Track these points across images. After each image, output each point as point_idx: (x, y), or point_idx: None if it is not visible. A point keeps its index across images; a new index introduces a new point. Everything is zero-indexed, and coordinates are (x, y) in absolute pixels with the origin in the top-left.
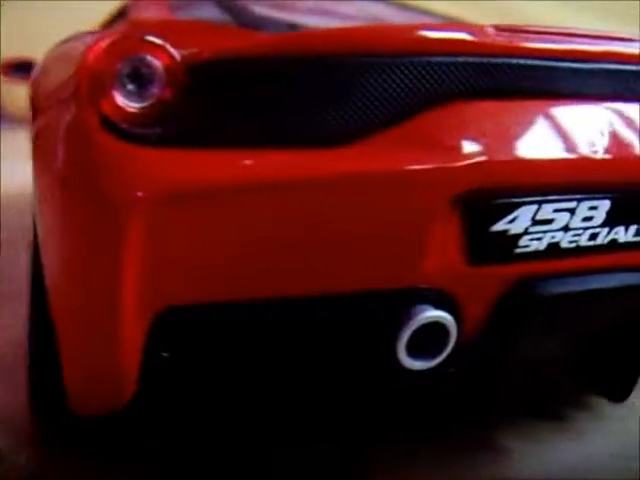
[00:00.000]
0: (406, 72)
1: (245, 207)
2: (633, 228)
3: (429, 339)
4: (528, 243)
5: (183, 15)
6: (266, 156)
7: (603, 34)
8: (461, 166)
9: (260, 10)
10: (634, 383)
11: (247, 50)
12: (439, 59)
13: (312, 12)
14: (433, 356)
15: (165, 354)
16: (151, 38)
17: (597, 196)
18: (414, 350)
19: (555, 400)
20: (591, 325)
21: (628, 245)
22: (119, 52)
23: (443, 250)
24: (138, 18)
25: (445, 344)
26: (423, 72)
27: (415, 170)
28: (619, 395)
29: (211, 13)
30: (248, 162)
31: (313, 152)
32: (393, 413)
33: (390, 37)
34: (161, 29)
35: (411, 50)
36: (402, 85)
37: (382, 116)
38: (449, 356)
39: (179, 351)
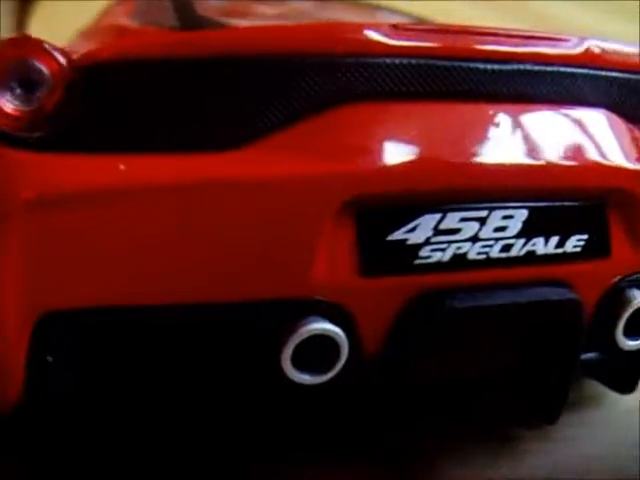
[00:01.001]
0: (298, 73)
1: (123, 212)
2: (554, 239)
3: (318, 353)
4: (430, 254)
5: (140, 20)
6: (148, 160)
7: (528, 34)
8: (351, 171)
9: (204, 12)
10: (561, 405)
11: (132, 52)
12: (332, 60)
13: (265, 15)
14: (323, 371)
15: (49, 358)
16: (37, 42)
17: (512, 205)
18: (301, 364)
19: (491, 419)
20: (504, 342)
21: (548, 258)
22: (4, 56)
23: (334, 260)
24: (97, 24)
25: (336, 359)
26: (316, 73)
27: (301, 175)
28: (549, 417)
29: (167, 17)
30: (129, 166)
31: (198, 156)
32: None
33: (280, 37)
34: (89, 34)
35: (302, 50)
36: (294, 87)
37: (272, 119)
38: (344, 371)
39: (63, 355)
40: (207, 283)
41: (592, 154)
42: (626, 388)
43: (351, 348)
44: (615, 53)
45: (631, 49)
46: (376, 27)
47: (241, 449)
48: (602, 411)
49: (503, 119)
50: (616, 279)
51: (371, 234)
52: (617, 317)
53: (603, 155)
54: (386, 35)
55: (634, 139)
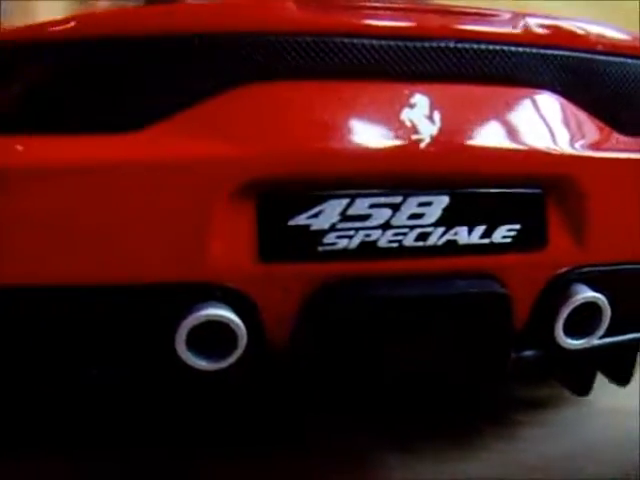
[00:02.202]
0: (198, 55)
1: (24, 192)
2: (480, 229)
3: (214, 339)
4: (335, 241)
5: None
6: (49, 141)
7: (458, 10)
8: (247, 154)
9: None
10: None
11: (36, 35)
12: (230, 40)
13: None
14: (221, 357)
15: None
16: None
17: (432, 191)
18: (198, 349)
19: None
20: (422, 336)
21: (472, 248)
22: None
23: (233, 245)
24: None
25: (233, 346)
26: (215, 54)
27: (195, 157)
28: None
29: None
30: (29, 148)
31: (102, 137)
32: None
33: (181, 16)
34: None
35: (200, 31)
36: (194, 68)
37: (174, 100)
38: (245, 359)
39: None
40: (103, 264)
41: (528, 138)
42: (581, 390)
43: (252, 336)
44: (561, 31)
45: (587, 27)
46: (278, 4)
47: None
48: (565, 411)
49: (421, 100)
50: (556, 273)
51: (271, 219)
52: (556, 314)
53: (541, 139)
54: (288, 12)
55: (580, 122)
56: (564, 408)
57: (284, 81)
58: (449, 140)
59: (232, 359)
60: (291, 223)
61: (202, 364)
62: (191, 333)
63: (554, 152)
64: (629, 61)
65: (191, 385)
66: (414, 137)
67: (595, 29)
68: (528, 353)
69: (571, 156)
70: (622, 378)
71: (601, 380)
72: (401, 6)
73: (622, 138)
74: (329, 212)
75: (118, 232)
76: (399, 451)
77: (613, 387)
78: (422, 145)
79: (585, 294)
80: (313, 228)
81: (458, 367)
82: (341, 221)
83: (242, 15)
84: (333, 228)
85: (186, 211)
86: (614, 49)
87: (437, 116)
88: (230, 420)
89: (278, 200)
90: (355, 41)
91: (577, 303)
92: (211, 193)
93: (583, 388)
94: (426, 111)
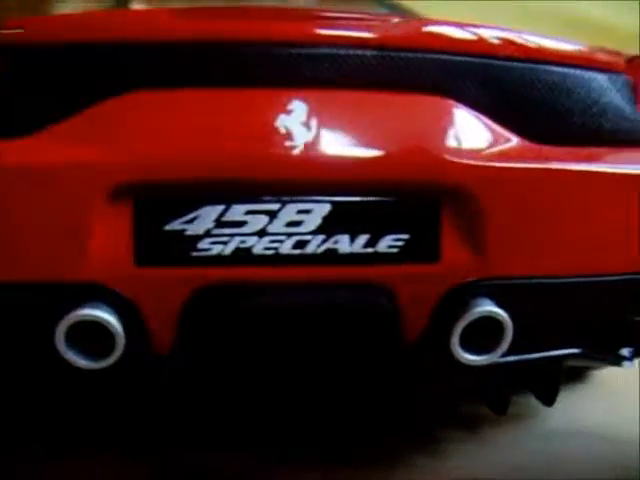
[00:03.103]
0: (82, 62)
1: None
2: (363, 238)
3: (93, 339)
4: (209, 246)
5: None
6: None
7: (340, 15)
8: (121, 159)
9: None
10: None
11: None
12: (111, 48)
13: None
14: (100, 357)
15: None
16: None
17: (312, 199)
18: (79, 348)
19: None
20: (299, 344)
21: (354, 258)
22: None
23: (112, 247)
24: None
25: (111, 346)
26: (98, 62)
27: (73, 162)
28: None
29: None
30: None
31: None
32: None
33: (60, 25)
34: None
35: (83, 39)
36: (80, 75)
37: (61, 106)
38: (126, 360)
39: None
40: None
41: (417, 146)
42: (498, 408)
43: (133, 337)
44: (461, 37)
45: (490, 33)
46: (161, 13)
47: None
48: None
49: (299, 106)
50: (452, 286)
51: (147, 223)
52: (452, 328)
53: (434, 148)
54: (169, 21)
55: (481, 130)
56: (504, 427)
57: (163, 89)
58: (328, 147)
59: (112, 359)
60: (167, 228)
61: (82, 363)
62: (70, 332)
63: (447, 161)
64: (543, 67)
65: (75, 383)
66: (288, 144)
67: (499, 34)
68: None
69: (467, 165)
70: (547, 398)
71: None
72: (280, 12)
73: (535, 147)
74: (204, 218)
75: (2, 233)
76: (323, 468)
77: (565, 407)
78: (296, 152)
79: (482, 308)
80: (188, 233)
81: (340, 376)
82: (216, 227)
83: (124, 24)
84: (208, 234)
85: (66, 213)
86: (524, 55)
87: (314, 123)
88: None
89: (154, 205)
90: (234, 49)
91: (473, 317)
92: (88, 195)
93: (500, 405)
94: (303, 118)
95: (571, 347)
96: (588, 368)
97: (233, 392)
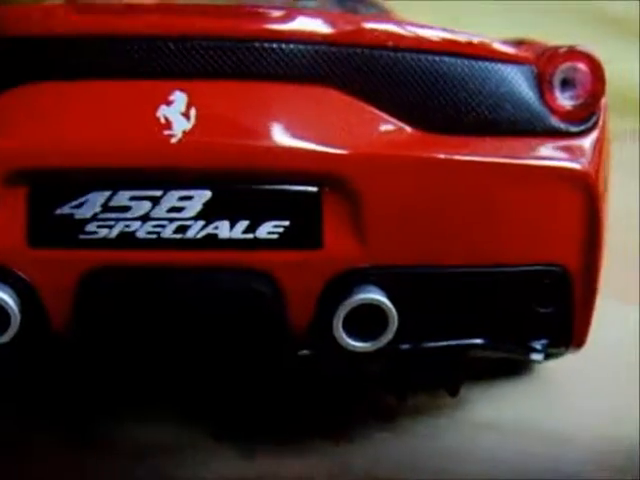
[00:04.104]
0: None
1: None
2: (242, 224)
3: None
4: (96, 230)
5: None
6: None
7: (234, 8)
8: (17, 145)
9: None
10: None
11: None
12: (17, 40)
13: None
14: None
15: None
16: None
17: (193, 185)
18: None
19: None
20: (179, 323)
21: (234, 243)
22: None
23: (7, 228)
24: None
25: (7, 324)
26: (7, 53)
27: None
28: None
29: None
30: None
31: None
32: None
33: None
34: None
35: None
36: None
37: None
38: (22, 339)
39: None
40: None
41: (298, 135)
42: (398, 393)
43: (29, 316)
44: (339, 26)
45: (377, 24)
46: (53, 8)
47: None
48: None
49: (179, 97)
50: (336, 273)
51: (40, 207)
52: (334, 314)
53: (315, 137)
54: (60, 15)
55: (365, 120)
56: (424, 417)
57: (58, 81)
58: (208, 136)
59: (7, 337)
60: (57, 212)
61: None
62: None
63: (327, 149)
64: (434, 58)
65: None
66: (169, 133)
67: (384, 25)
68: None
69: (346, 154)
70: (451, 388)
71: (481, 392)
72: (168, 6)
73: (425, 136)
74: (92, 203)
75: None
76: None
77: (491, 399)
78: (177, 141)
79: (364, 295)
80: (76, 217)
81: (229, 358)
82: (103, 212)
83: (20, 18)
84: (95, 218)
85: None
86: (413, 46)
87: (195, 113)
88: None
89: (46, 190)
90: (121, 42)
91: (354, 304)
92: None
93: (400, 393)
94: (183, 108)
95: (472, 338)
96: (527, 361)
97: (128, 369)
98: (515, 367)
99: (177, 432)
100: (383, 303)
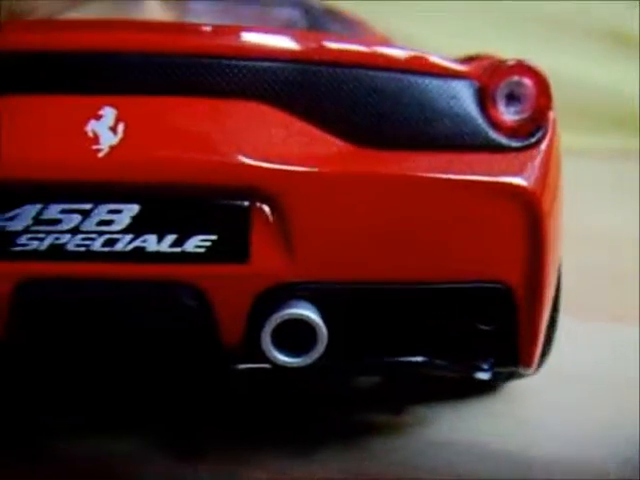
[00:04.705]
0: None
1: None
2: (170, 238)
3: None
4: (27, 242)
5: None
6: None
7: (150, 23)
8: None
9: None
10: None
11: None
12: None
13: None
14: None
15: None
16: None
17: (122, 199)
18: None
19: None
20: (104, 337)
21: (162, 256)
22: None
23: None
24: None
25: None
26: None
27: None
28: None
29: None
30: None
31: None
32: None
33: None
34: None
35: None
36: None
37: None
38: None
39: None
40: None
41: (228, 150)
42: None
43: None
44: (270, 41)
45: (309, 38)
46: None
47: None
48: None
49: (108, 112)
50: (265, 287)
51: None
52: (263, 329)
53: (244, 151)
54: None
55: (292, 133)
56: (384, 434)
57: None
58: (137, 151)
59: None
60: None
61: None
62: None
63: (254, 165)
64: (367, 73)
65: None
66: (94, 147)
67: (316, 41)
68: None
69: (273, 169)
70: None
71: (445, 411)
72: (103, 23)
73: (357, 151)
74: (24, 215)
75: None
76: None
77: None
78: (101, 155)
79: (291, 310)
80: (8, 229)
81: (158, 369)
82: (34, 224)
83: None
84: (27, 230)
85: None
86: (346, 61)
87: (122, 128)
88: None
89: None
90: (53, 57)
91: (281, 319)
92: None
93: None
94: (111, 123)
95: (412, 355)
96: (497, 379)
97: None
98: (484, 386)
99: (137, 443)
100: (310, 318)
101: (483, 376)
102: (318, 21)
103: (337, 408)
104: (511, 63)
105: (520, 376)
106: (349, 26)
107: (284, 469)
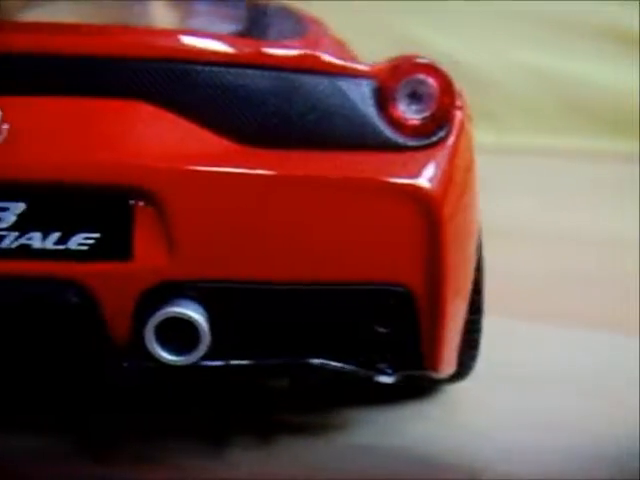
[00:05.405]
0: None
1: None
2: (55, 235)
3: None
4: None
5: None
6: None
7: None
8: None
9: None
10: None
11: None
12: None
13: None
14: None
15: None
16: None
17: (7, 197)
18: None
19: None
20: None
21: (47, 254)
22: None
23: None
24: None
25: None
26: None
27: None
28: None
29: None
30: None
31: None
32: None
33: None
34: None
35: None
36: None
37: None
38: None
39: None
40: None
41: (109, 149)
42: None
43: None
44: (155, 42)
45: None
46: None
47: None
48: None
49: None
50: (148, 286)
51: None
52: (146, 327)
53: (126, 150)
54: None
55: (173, 132)
56: (303, 436)
57: None
58: (21, 150)
59: None
60: None
61: None
62: None
63: (135, 163)
64: (252, 72)
65: None
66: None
67: (199, 40)
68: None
69: (154, 168)
70: None
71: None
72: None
73: (241, 150)
74: None
75: None
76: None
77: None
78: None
79: (172, 309)
80: None
81: (45, 366)
82: None
83: None
84: None
85: None
86: (228, 60)
87: (6, 128)
88: None
89: None
90: None
91: (163, 317)
92: None
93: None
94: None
95: (307, 357)
96: (434, 383)
97: None
98: (420, 390)
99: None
100: (191, 317)
101: (386, 379)
102: (258, 21)
103: (256, 409)
104: (414, 62)
105: (457, 380)
106: (297, 28)
107: (193, 468)
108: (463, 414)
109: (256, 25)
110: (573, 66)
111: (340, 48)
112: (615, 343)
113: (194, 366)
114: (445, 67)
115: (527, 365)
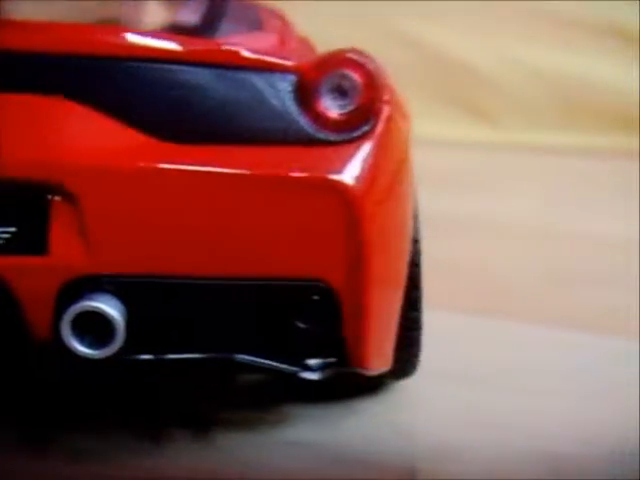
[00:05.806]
0: None
1: None
2: None
3: None
4: None
5: None
6: None
7: None
8: None
9: None
10: None
11: None
12: None
13: None
14: None
15: None
16: None
17: None
18: None
19: None
20: None
21: None
22: None
23: None
24: None
25: None
26: None
27: None
28: None
29: None
30: None
31: None
32: None
33: None
34: None
35: None
36: None
37: None
38: None
39: None
40: None
41: (27, 143)
42: None
43: None
44: (73, 37)
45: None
46: None
47: None
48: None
49: None
50: (66, 280)
51: None
52: (60, 321)
53: (40, 145)
54: None
55: (93, 128)
56: (240, 431)
57: None
58: None
59: None
60: None
61: None
62: None
63: (52, 158)
64: (168, 67)
65: None
66: None
67: (112, 34)
68: None
69: (67, 163)
70: None
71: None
72: None
73: (157, 146)
74: None
75: None
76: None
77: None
78: None
79: (85, 303)
80: None
81: None
82: None
83: None
84: None
85: None
86: (145, 54)
87: None
88: None
89: None
90: None
91: (77, 311)
92: None
93: None
94: None
95: (226, 352)
96: (375, 381)
97: None
98: (363, 387)
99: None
100: (105, 311)
101: (312, 376)
102: (211, 17)
103: (192, 403)
104: (340, 57)
105: (400, 377)
106: (253, 24)
107: (129, 464)
108: (406, 412)
109: (207, 21)
110: (572, 63)
111: (300, 44)
112: (615, 343)
113: (116, 360)
114: (380, 62)
115: (500, 365)
